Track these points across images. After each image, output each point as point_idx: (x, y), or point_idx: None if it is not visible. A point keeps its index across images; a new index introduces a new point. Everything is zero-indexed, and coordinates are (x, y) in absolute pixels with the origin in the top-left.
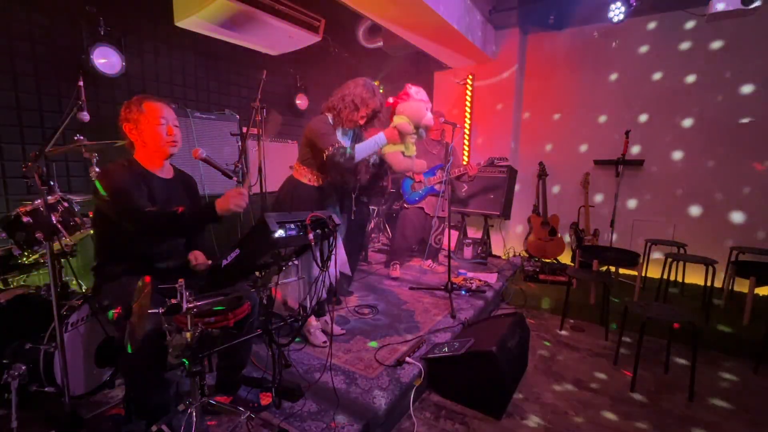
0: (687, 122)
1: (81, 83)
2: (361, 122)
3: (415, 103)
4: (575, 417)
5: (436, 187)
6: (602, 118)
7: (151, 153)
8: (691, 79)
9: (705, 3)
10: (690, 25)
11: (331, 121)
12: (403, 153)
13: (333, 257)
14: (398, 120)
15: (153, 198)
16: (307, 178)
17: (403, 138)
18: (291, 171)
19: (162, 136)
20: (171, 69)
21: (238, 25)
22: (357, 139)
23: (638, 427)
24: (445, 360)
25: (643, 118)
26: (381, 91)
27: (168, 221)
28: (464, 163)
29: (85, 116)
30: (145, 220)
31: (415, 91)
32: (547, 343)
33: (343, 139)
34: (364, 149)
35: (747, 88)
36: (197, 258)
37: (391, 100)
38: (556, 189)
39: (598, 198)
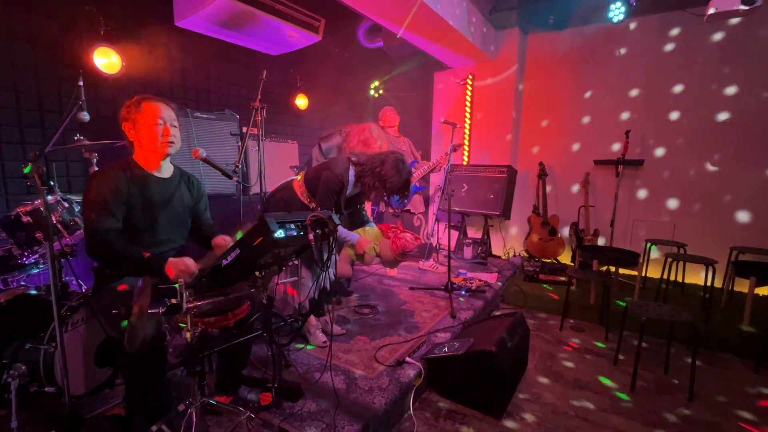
0: (688, 122)
1: (81, 83)
2: (378, 194)
3: (394, 258)
4: (575, 417)
5: (417, 184)
6: (602, 118)
7: (148, 153)
8: (692, 78)
9: (705, 3)
10: (689, 24)
11: (352, 175)
12: (352, 261)
13: (333, 258)
14: (371, 250)
15: (151, 200)
16: (304, 196)
17: (361, 256)
18: (292, 172)
19: (157, 136)
20: (171, 69)
21: (238, 25)
22: (361, 195)
23: (638, 428)
24: (445, 360)
25: (644, 117)
26: (381, 91)
27: (116, 258)
28: (465, 162)
29: (85, 116)
30: (97, 244)
31: (406, 253)
32: (564, 346)
33: (351, 188)
34: (339, 233)
35: (751, 88)
36: (220, 242)
37: (390, 234)
38: (556, 189)
39: (598, 198)
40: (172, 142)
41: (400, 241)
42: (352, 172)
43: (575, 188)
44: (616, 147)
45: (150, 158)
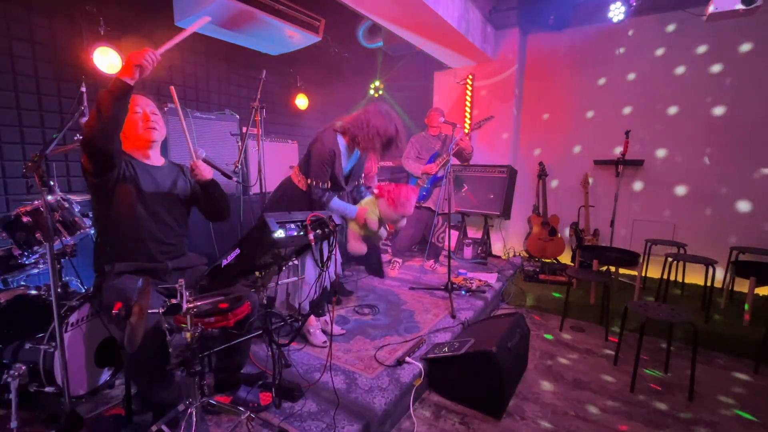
0: (687, 122)
1: (83, 89)
2: (378, 148)
3: (395, 213)
4: (575, 417)
5: (440, 173)
6: (602, 119)
7: (134, 143)
8: (691, 78)
9: (705, 3)
10: (690, 24)
11: (342, 144)
12: (361, 237)
13: (333, 258)
14: (372, 215)
15: (148, 188)
16: (302, 183)
17: (365, 227)
18: (290, 171)
19: (138, 123)
20: (171, 69)
21: (238, 25)
22: (360, 160)
23: (638, 428)
24: (445, 360)
25: (644, 118)
26: (381, 92)
27: (93, 118)
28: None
29: None
30: (85, 138)
31: (403, 202)
32: (564, 347)
33: (346, 160)
34: (337, 207)
35: (749, 87)
36: (198, 166)
37: (377, 190)
38: (556, 189)
39: (598, 198)
40: (155, 128)
41: (395, 194)
42: (340, 139)
43: (575, 188)
44: (616, 147)
45: (138, 148)
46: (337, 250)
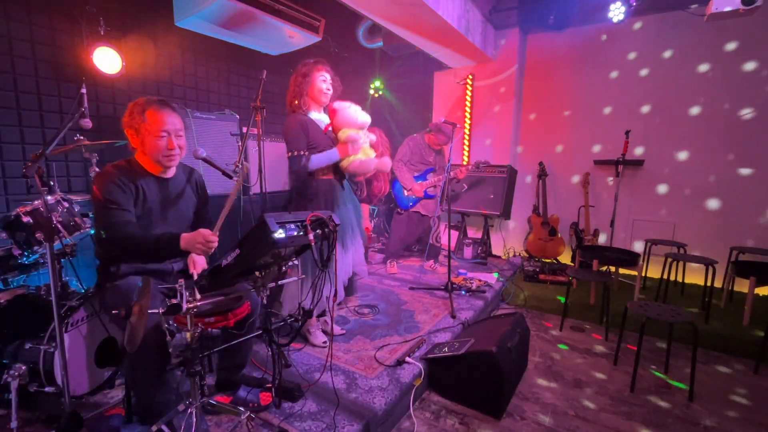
0: (687, 122)
1: (84, 90)
2: (327, 92)
3: (343, 112)
4: (575, 417)
5: (429, 191)
6: (602, 118)
7: (151, 162)
8: (692, 78)
9: (705, 3)
10: (690, 24)
11: (307, 115)
12: (361, 160)
13: (334, 258)
14: (342, 135)
15: (156, 201)
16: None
17: (355, 148)
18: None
19: (160, 148)
20: (171, 69)
21: (238, 25)
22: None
23: (638, 427)
24: (445, 360)
25: (644, 117)
26: (382, 92)
27: (135, 245)
28: (464, 163)
29: (88, 123)
30: (119, 237)
31: (338, 104)
32: (564, 347)
33: (324, 127)
34: (318, 161)
35: (750, 88)
36: (195, 265)
37: (330, 122)
38: (556, 189)
39: (598, 198)
40: (174, 156)
41: (333, 111)
42: (300, 114)
43: (575, 188)
44: (616, 147)
45: (153, 163)
46: (362, 247)
